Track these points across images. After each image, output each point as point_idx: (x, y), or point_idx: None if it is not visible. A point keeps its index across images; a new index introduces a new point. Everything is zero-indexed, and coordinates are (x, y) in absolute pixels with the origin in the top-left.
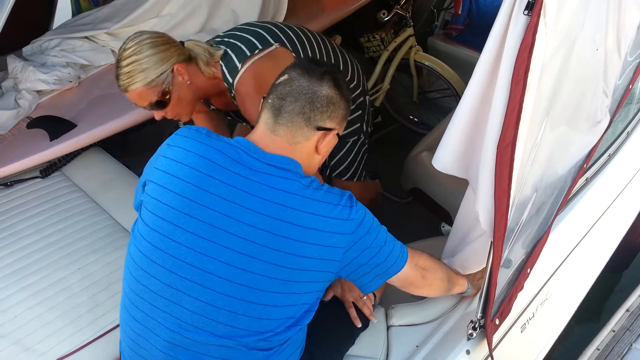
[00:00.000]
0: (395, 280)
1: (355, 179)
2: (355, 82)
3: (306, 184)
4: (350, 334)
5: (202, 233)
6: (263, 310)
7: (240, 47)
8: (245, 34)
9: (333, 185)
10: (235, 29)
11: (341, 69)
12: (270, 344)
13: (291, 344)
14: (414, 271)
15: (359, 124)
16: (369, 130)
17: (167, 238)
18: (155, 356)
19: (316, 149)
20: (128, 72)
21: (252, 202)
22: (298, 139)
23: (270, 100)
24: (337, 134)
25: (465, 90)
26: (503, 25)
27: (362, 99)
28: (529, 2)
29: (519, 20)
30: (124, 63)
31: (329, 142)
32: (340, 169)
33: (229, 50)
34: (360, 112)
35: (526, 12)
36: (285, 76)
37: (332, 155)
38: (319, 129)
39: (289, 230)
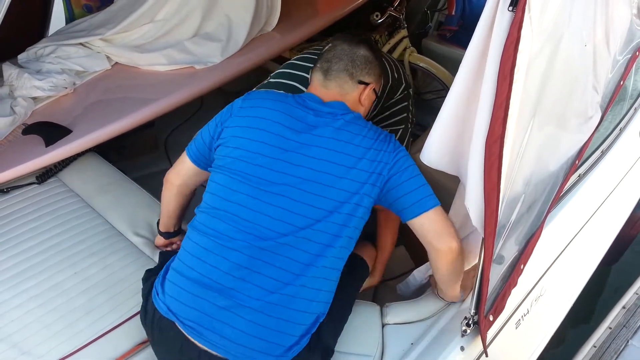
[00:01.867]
0: (427, 221)
1: None
2: (402, 77)
3: (357, 115)
4: (351, 296)
5: (278, 155)
6: (330, 216)
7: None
8: (292, 82)
9: None
10: (282, 74)
11: (391, 69)
12: (334, 257)
13: (338, 262)
14: (447, 221)
15: (405, 114)
16: (413, 120)
17: (250, 163)
18: (230, 258)
19: (359, 100)
20: None
21: (319, 131)
22: (346, 90)
23: (319, 65)
24: (375, 92)
25: (451, 86)
26: (488, 22)
27: (406, 92)
28: None
29: (504, 17)
30: None
31: (369, 95)
32: None
33: None
34: (406, 103)
35: (510, 8)
36: (330, 45)
37: None
38: (360, 82)
39: (345, 147)
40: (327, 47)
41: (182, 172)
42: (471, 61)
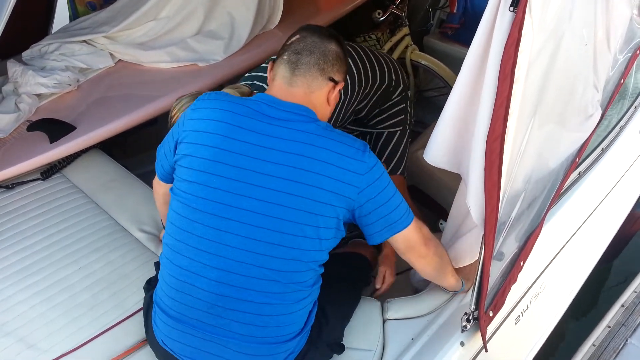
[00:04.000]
0: (400, 239)
1: (399, 171)
2: (400, 79)
3: (323, 126)
4: (355, 290)
5: (234, 176)
6: (294, 241)
7: None
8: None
9: None
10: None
11: (389, 71)
12: (308, 279)
13: (317, 289)
14: (418, 234)
15: (403, 116)
16: (412, 121)
17: (205, 186)
18: (202, 298)
19: (327, 100)
20: None
21: (274, 142)
22: (313, 88)
23: (285, 57)
24: (340, 93)
25: (454, 85)
26: (489, 22)
27: (404, 93)
28: None
29: (505, 17)
30: (169, 125)
31: (337, 95)
32: (394, 161)
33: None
34: (404, 105)
35: (512, 8)
36: (297, 36)
37: (383, 147)
38: (330, 79)
39: (308, 164)
40: (294, 38)
41: (161, 183)
42: (473, 61)
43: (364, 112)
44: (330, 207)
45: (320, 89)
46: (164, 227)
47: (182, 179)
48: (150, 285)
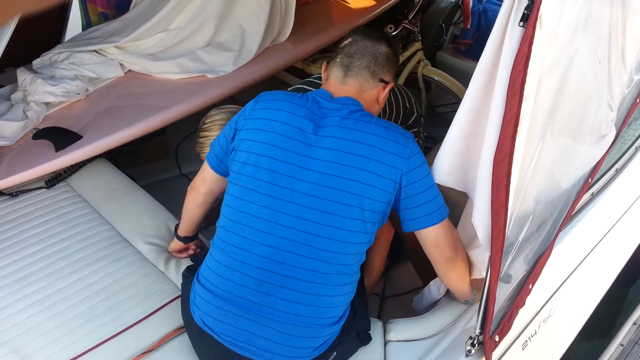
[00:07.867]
0: (431, 233)
1: None
2: (413, 107)
3: (368, 114)
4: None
5: (289, 160)
6: (342, 222)
7: None
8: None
9: None
10: (300, 89)
11: (403, 101)
12: (353, 264)
13: (357, 279)
14: (449, 233)
15: (417, 139)
16: (423, 144)
17: (262, 168)
18: (252, 274)
19: (377, 99)
20: (200, 143)
21: (326, 130)
22: (364, 88)
23: (338, 59)
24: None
25: (461, 102)
26: (498, 37)
27: (418, 119)
28: (524, 14)
29: (515, 32)
30: (200, 134)
31: (385, 95)
32: None
33: None
34: (417, 129)
35: (521, 23)
36: (350, 39)
37: None
38: (381, 80)
39: (355, 148)
40: (346, 42)
41: (206, 179)
42: (481, 77)
43: None
44: (376, 189)
45: (371, 89)
46: (177, 237)
47: (239, 161)
48: (190, 272)
